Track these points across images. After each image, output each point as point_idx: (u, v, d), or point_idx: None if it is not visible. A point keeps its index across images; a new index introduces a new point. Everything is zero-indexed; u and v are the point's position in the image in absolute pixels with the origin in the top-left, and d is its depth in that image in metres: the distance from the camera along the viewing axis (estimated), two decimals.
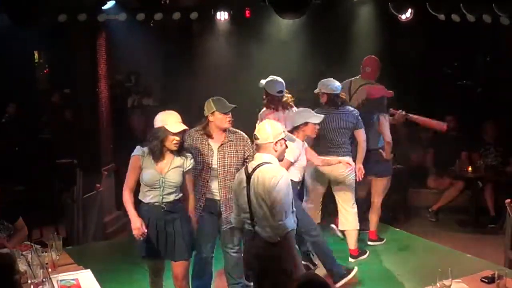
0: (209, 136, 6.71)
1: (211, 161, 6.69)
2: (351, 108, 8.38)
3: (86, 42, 10.18)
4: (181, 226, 6.20)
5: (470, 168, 10.23)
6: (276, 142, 5.63)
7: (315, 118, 7.43)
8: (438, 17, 9.75)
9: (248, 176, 5.59)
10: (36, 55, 13.80)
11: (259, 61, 11.07)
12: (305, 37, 11.08)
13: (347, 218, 8.34)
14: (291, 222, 5.49)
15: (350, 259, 8.38)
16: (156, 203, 6.13)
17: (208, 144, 6.68)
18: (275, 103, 8.00)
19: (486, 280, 5.67)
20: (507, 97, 11.03)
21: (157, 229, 6.16)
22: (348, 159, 8.16)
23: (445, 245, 9.05)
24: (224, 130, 6.70)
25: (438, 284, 5.31)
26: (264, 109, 8.15)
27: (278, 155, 5.66)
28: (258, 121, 7.66)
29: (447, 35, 11.07)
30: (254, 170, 5.56)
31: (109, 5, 9.22)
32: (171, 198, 6.13)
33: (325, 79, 8.35)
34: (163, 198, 6.10)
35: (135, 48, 10.99)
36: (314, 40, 11.29)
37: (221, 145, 6.72)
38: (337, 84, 8.29)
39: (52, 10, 8.95)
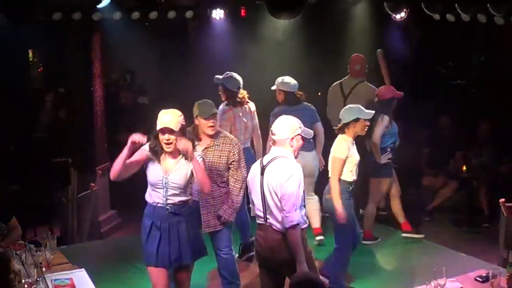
0: (197, 138, 6.76)
1: None
2: (308, 104, 8.79)
3: (81, 41, 10.14)
4: (187, 229, 6.07)
5: (464, 168, 10.25)
6: (292, 138, 5.72)
7: (366, 114, 7.34)
8: (433, 16, 9.76)
9: (263, 169, 5.72)
10: (30, 54, 13.76)
11: (255, 60, 11.05)
12: (301, 36, 11.06)
13: (310, 202, 8.60)
14: (298, 215, 5.52)
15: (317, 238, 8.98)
16: (160, 204, 6.01)
17: (193, 147, 6.66)
18: (234, 99, 8.31)
19: (481, 279, 5.69)
20: (502, 97, 11.04)
21: (161, 231, 6.00)
22: (314, 153, 8.66)
23: (440, 244, 9.07)
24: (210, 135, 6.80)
25: (432, 283, 5.32)
26: (223, 106, 8.35)
27: (294, 150, 5.75)
28: (218, 117, 7.57)
29: (442, 35, 11.08)
30: (268, 163, 5.70)
31: (104, 3, 9.19)
32: (176, 199, 5.99)
33: (282, 77, 8.74)
34: (166, 199, 5.97)
35: (130, 47, 10.98)
36: (309, 39, 11.28)
37: (205, 148, 6.81)
38: (294, 82, 8.74)
39: (47, 9, 8.93)
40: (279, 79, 8.79)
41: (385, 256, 8.62)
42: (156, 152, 5.98)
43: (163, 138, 5.87)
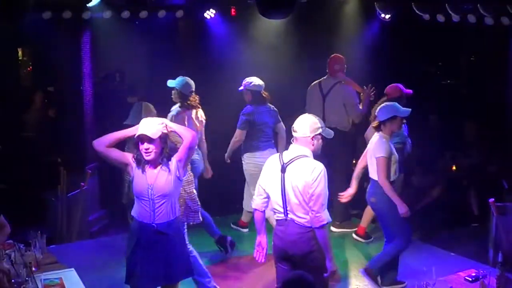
0: None
1: None
2: (271, 105, 9.12)
3: (71, 40, 10.13)
4: (174, 248, 5.87)
5: (454, 167, 10.27)
6: (313, 137, 5.77)
7: (404, 111, 7.37)
8: (423, 16, 9.78)
9: (283, 166, 5.73)
10: (20, 52, 13.71)
11: (245, 60, 11.07)
12: (291, 35, 11.08)
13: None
14: (327, 215, 5.64)
15: (232, 224, 9.69)
16: (146, 221, 5.77)
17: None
18: (187, 102, 8.48)
19: (470, 279, 5.72)
20: (491, 97, 11.08)
21: (147, 249, 5.79)
22: (275, 150, 8.91)
23: (429, 244, 9.09)
24: None
25: (422, 283, 5.33)
26: (177, 108, 8.52)
27: (315, 150, 5.80)
28: (172, 119, 7.95)
29: (432, 35, 11.10)
30: (290, 161, 5.72)
31: (94, 2, 9.18)
32: (163, 214, 5.75)
33: (249, 78, 8.96)
34: (154, 213, 5.75)
35: (120, 46, 10.95)
36: (299, 39, 11.29)
37: None
38: (261, 82, 8.97)
39: (37, 7, 8.90)
40: (247, 80, 8.99)
41: (374, 254, 8.62)
42: (140, 161, 5.80)
43: (142, 147, 5.70)
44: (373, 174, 7.33)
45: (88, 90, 10.21)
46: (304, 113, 6.05)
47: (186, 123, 8.34)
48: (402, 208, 7.17)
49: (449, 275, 6.18)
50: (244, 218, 9.65)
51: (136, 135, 5.71)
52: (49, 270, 5.73)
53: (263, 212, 5.99)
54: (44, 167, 10.04)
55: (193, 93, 8.55)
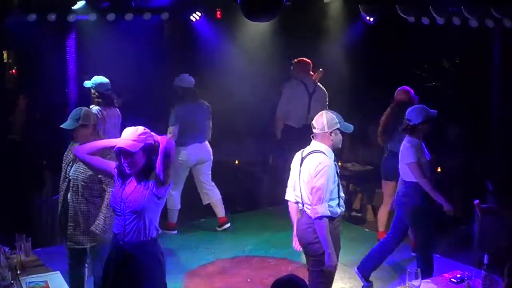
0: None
1: (68, 170, 6.54)
2: (203, 101, 9.62)
3: (56, 42, 10.09)
4: (141, 272, 5.34)
5: (438, 169, 10.30)
6: (331, 132, 6.01)
7: (434, 112, 7.44)
8: (408, 19, 9.81)
9: (302, 160, 6.12)
10: (5, 55, 13.65)
11: (230, 61, 11.09)
12: (276, 37, 11.09)
13: (213, 191, 9.74)
14: (323, 208, 5.88)
15: (218, 228, 9.83)
16: (118, 237, 5.39)
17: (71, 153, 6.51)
18: (105, 101, 8.79)
19: (455, 280, 5.74)
20: (475, 99, 11.12)
21: (116, 267, 5.42)
22: (206, 143, 9.60)
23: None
24: None
25: (407, 284, 5.35)
26: (95, 106, 8.73)
27: (333, 144, 6.07)
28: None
29: (417, 37, 11.14)
30: (307, 155, 6.08)
31: (79, 5, 9.16)
32: (134, 232, 5.28)
33: (181, 75, 9.46)
34: (125, 229, 5.31)
35: (106, 48, 10.92)
36: (284, 41, 11.31)
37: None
38: (192, 79, 9.50)
39: (22, 10, 8.88)
40: (180, 77, 9.48)
41: (358, 256, 8.64)
42: (121, 173, 5.41)
43: (124, 160, 5.26)
44: (405, 176, 7.44)
45: (73, 92, 10.18)
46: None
47: (104, 121, 8.56)
48: (447, 205, 7.32)
49: (434, 277, 6.21)
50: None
51: (115, 147, 5.27)
52: (35, 273, 5.71)
53: (296, 203, 6.27)
54: (29, 169, 9.99)
55: (109, 91, 8.85)
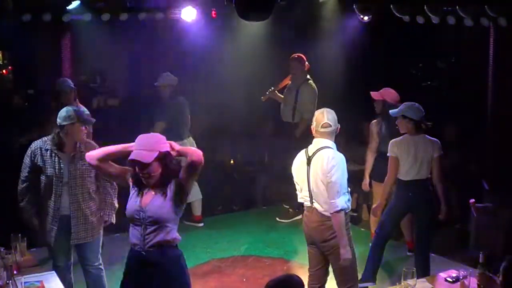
0: (60, 147, 6.52)
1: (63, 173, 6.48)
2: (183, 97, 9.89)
3: (51, 42, 10.08)
4: (167, 280, 5.24)
5: None
6: (338, 128, 6.29)
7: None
8: (402, 18, 9.81)
9: (309, 159, 6.18)
10: (0, 55, 13.63)
11: (226, 61, 11.09)
12: (271, 36, 11.09)
13: (196, 189, 9.67)
14: (342, 202, 6.03)
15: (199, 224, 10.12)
16: (137, 247, 5.22)
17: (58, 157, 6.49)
18: (71, 100, 8.76)
19: (451, 280, 5.75)
20: (471, 98, 11.12)
21: (135, 280, 5.30)
22: (191, 139, 9.72)
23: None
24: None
25: (402, 284, 5.36)
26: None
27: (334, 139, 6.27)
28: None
29: (412, 36, 11.14)
30: (314, 153, 6.17)
31: (74, 5, 9.14)
32: (155, 242, 5.14)
33: (165, 73, 9.81)
34: (145, 239, 5.16)
35: (101, 48, 10.91)
36: (279, 40, 11.32)
37: (73, 156, 6.49)
38: (175, 77, 9.80)
39: (17, 10, 8.85)
40: (164, 76, 9.79)
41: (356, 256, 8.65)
42: (137, 182, 5.24)
43: (139, 171, 5.11)
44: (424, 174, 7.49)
45: None
46: None
47: None
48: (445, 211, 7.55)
49: (430, 276, 6.22)
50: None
51: (128, 159, 5.09)
52: (30, 273, 5.71)
53: (302, 204, 6.40)
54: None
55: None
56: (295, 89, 9.99)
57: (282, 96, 10.23)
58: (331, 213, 6.02)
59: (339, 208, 5.98)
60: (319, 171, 6.07)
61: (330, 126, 6.18)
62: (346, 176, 6.12)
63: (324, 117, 6.20)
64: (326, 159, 6.05)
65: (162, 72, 9.88)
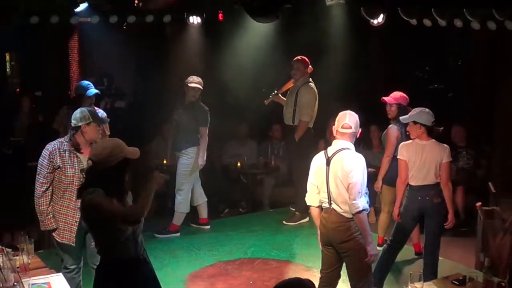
0: (78, 148, 6.54)
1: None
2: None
3: (59, 44, 10.12)
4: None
5: None
6: (359, 131, 6.32)
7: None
8: (410, 21, 9.81)
9: (328, 160, 6.16)
10: (7, 57, 13.69)
11: (232, 64, 11.10)
12: (278, 40, 11.11)
13: (201, 192, 9.81)
14: (363, 202, 6.06)
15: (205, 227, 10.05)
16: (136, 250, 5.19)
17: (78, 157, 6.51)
18: None
19: (457, 283, 5.73)
20: (478, 100, 11.12)
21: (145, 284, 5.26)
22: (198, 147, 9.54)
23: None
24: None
25: (409, 287, 5.35)
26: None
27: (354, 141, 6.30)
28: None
29: (419, 39, 11.14)
30: (334, 154, 6.15)
31: (81, 7, 9.18)
32: (142, 242, 5.21)
33: (192, 77, 9.48)
34: (137, 244, 5.15)
35: (108, 50, 10.96)
36: (286, 44, 11.33)
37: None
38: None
39: (25, 12, 8.89)
40: (195, 79, 9.44)
41: None
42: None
43: None
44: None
45: (75, 94, 10.18)
46: None
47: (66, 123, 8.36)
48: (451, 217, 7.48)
49: (437, 279, 6.22)
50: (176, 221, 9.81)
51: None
52: (37, 275, 5.71)
53: (319, 207, 6.34)
54: (32, 171, 10.00)
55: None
56: (295, 91, 9.98)
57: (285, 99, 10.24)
58: (353, 214, 6.05)
59: (360, 209, 6.01)
60: (339, 173, 6.07)
61: (351, 128, 6.18)
62: (366, 177, 6.14)
63: (346, 118, 6.21)
64: (346, 160, 6.07)
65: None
